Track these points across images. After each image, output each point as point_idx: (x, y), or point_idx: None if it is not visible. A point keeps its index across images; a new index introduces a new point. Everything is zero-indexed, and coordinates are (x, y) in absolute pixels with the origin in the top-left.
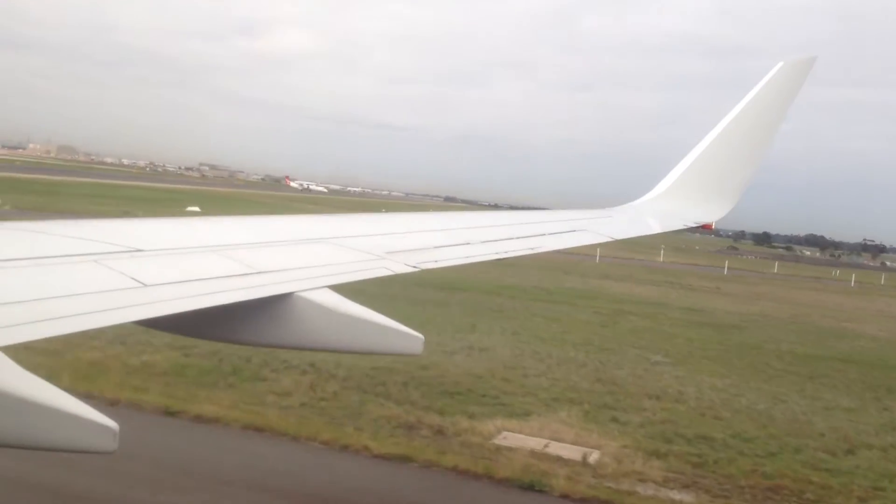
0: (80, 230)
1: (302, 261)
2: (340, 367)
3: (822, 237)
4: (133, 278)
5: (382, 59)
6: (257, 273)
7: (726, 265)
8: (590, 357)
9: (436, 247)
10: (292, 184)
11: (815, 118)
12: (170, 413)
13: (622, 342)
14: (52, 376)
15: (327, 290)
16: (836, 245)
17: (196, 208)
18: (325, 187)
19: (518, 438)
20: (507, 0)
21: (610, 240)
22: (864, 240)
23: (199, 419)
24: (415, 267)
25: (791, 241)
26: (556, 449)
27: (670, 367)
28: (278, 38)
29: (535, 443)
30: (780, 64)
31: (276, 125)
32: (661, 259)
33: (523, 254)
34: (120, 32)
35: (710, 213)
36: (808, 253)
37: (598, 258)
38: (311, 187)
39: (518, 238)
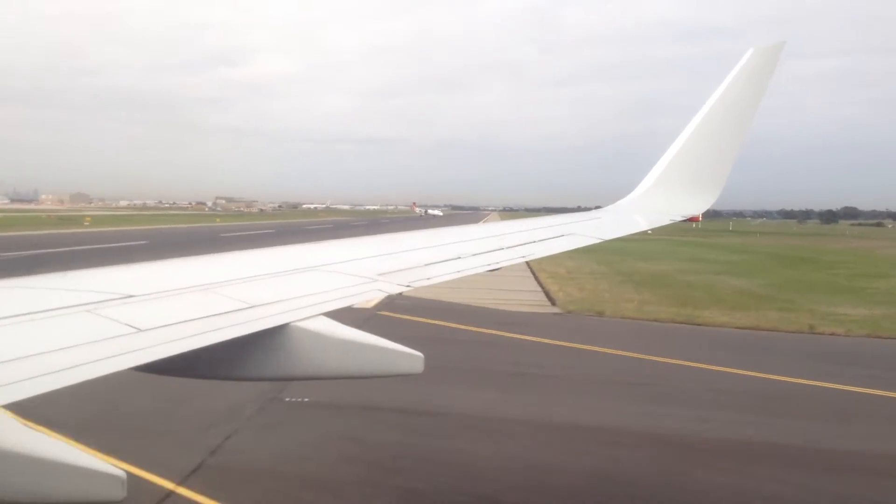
0: (70, 282)
1: (295, 291)
2: None
3: (856, 208)
4: (127, 324)
5: (363, 74)
6: (251, 307)
7: None
8: None
9: (427, 264)
10: (416, 209)
11: (801, 90)
12: None
13: None
14: None
15: (322, 317)
16: None
17: None
18: (441, 210)
19: None
20: (482, 3)
21: (599, 241)
22: None
23: None
24: (408, 286)
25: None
26: None
27: None
28: (259, 64)
29: None
30: (751, 50)
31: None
32: None
33: (514, 263)
34: (100, 76)
35: (697, 205)
36: None
37: None
38: (429, 212)
39: (507, 248)
